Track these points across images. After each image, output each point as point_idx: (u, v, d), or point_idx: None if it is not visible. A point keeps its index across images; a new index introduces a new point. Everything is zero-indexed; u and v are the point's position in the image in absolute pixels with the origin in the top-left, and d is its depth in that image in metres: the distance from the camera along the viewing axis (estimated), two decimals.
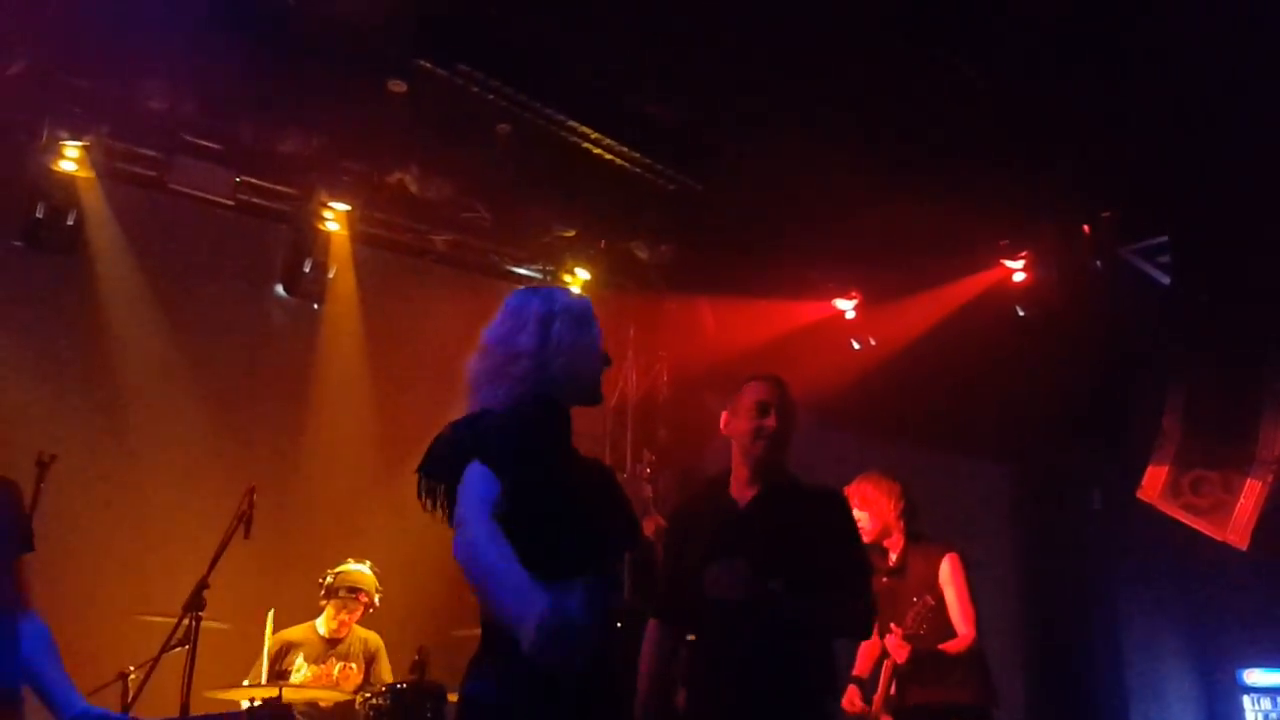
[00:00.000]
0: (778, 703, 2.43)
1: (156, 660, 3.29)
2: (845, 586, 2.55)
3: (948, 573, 3.71)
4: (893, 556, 3.83)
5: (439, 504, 1.87)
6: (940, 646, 3.59)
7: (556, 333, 1.97)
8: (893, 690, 3.61)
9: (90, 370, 4.65)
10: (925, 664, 3.55)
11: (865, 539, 3.75)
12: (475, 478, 1.78)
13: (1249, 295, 4.82)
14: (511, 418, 1.89)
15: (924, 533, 3.86)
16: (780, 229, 5.30)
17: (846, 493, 3.60)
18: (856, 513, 3.56)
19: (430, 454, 1.90)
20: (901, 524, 3.82)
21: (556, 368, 1.96)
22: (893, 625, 3.57)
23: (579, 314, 2.03)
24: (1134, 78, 4.17)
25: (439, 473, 1.87)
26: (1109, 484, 6.71)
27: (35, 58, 4.28)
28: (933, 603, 3.60)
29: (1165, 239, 4.65)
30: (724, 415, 2.72)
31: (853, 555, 2.64)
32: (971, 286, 5.48)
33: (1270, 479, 5.11)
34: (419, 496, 1.89)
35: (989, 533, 6.31)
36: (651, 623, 2.73)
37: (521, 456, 1.83)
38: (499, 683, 1.79)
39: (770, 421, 2.60)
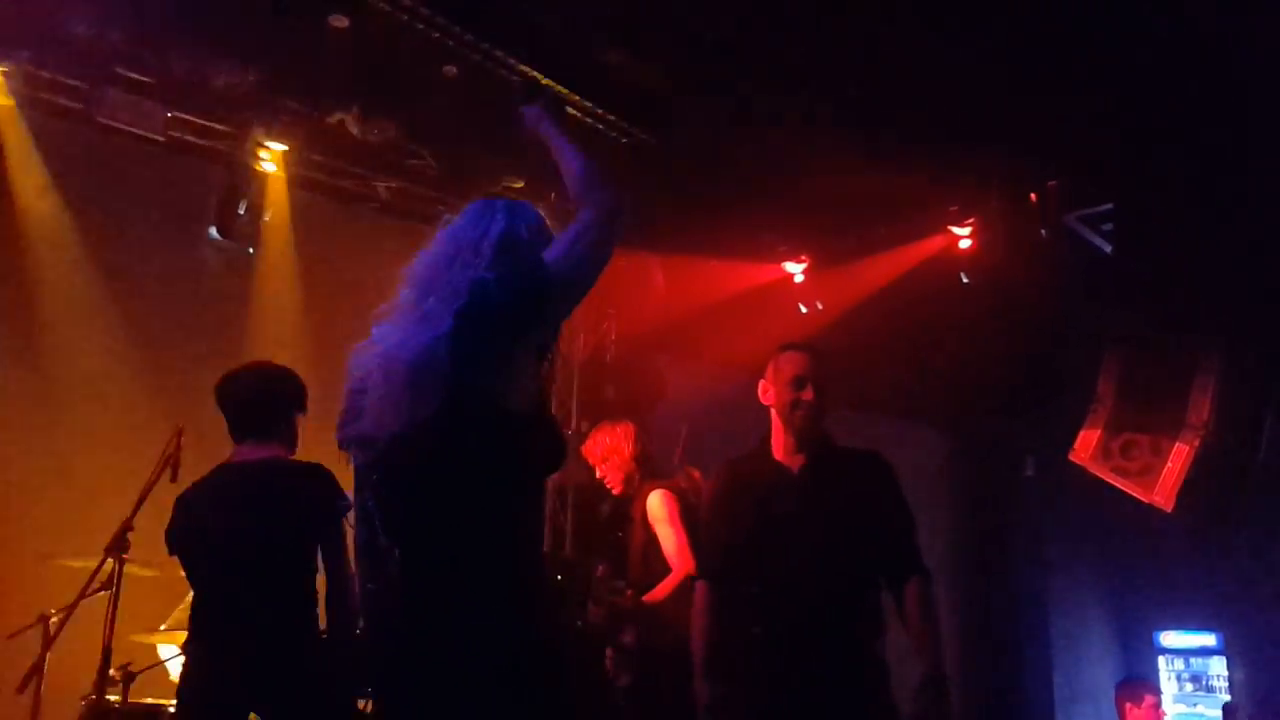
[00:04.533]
0: (835, 652, 2.55)
1: (76, 603, 3.16)
2: (899, 548, 2.65)
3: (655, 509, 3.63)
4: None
5: None
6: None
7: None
8: None
9: (7, 306, 4.41)
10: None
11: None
12: None
13: (1184, 263, 4.95)
14: None
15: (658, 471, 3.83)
16: (733, 189, 5.26)
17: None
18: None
19: None
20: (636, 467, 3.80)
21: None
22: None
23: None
24: (1083, 47, 4.21)
25: None
26: (1043, 451, 6.90)
27: None
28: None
29: (1110, 206, 4.73)
30: (761, 385, 2.77)
31: (903, 515, 2.70)
32: (917, 253, 5.52)
33: (1197, 443, 5.28)
34: None
35: (923, 496, 6.44)
36: (701, 586, 2.75)
37: None
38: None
39: (808, 394, 2.65)
